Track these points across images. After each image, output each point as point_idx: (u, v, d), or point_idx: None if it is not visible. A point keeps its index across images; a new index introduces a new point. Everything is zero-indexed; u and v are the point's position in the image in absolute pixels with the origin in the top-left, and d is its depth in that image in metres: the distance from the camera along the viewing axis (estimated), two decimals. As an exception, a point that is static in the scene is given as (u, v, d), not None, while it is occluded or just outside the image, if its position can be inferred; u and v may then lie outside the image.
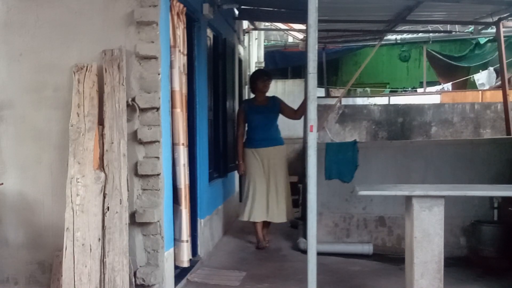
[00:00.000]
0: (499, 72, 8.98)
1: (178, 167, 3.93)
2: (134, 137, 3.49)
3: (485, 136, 9.37)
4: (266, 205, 5.58)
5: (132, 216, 3.46)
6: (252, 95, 6.12)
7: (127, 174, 3.35)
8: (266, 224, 5.73)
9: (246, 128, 5.85)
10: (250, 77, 6.10)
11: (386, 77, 14.23)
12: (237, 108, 7.43)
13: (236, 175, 7.24)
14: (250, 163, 5.66)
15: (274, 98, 5.86)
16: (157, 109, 3.48)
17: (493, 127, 9.52)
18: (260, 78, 5.77)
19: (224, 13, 6.21)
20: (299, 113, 5.68)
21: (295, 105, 5.75)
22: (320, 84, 11.18)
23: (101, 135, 3.40)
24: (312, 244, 3.30)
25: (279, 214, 5.61)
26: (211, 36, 5.78)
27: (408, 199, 3.56)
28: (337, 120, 10.10)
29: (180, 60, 3.94)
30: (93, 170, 3.32)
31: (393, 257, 5.11)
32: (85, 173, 3.32)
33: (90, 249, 3.22)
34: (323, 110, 9.40)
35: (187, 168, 4.06)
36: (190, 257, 4.11)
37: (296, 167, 8.05)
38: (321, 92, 12.17)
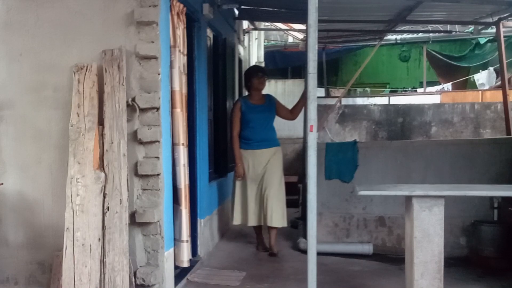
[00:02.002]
0: (499, 72, 8.99)
1: (178, 167, 3.93)
2: (134, 137, 3.49)
3: (485, 136, 9.38)
4: (260, 209, 5.31)
5: (132, 216, 3.46)
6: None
7: (127, 174, 3.35)
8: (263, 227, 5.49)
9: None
10: (244, 74, 5.78)
11: (386, 77, 14.25)
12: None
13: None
14: (245, 165, 5.34)
15: (270, 97, 5.57)
16: (157, 109, 3.48)
17: (493, 127, 9.53)
18: (255, 75, 5.45)
19: (224, 13, 6.21)
20: (295, 113, 5.48)
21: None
22: (320, 84, 11.20)
23: (101, 135, 3.40)
24: (312, 244, 3.30)
25: (276, 218, 5.25)
26: (211, 36, 5.78)
27: (408, 199, 3.56)
28: (337, 120, 10.11)
29: (180, 60, 3.94)
30: (93, 170, 3.32)
31: (393, 257, 5.11)
32: (85, 173, 3.32)
33: (90, 249, 3.22)
34: (323, 110, 9.41)
35: (187, 168, 4.06)
36: (190, 257, 4.11)
37: (296, 167, 8.06)
38: (321, 92, 12.18)
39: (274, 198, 5.27)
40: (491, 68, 11.85)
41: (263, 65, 9.49)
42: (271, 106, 5.48)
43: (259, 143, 5.34)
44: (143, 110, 3.48)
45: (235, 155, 5.38)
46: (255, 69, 5.80)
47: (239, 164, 5.33)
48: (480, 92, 11.39)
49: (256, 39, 9.58)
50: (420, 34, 12.24)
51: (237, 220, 5.44)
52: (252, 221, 5.37)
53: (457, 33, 11.74)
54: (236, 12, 7.01)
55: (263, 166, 5.31)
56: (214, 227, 5.68)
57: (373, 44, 10.70)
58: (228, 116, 6.47)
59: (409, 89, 13.97)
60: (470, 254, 5.11)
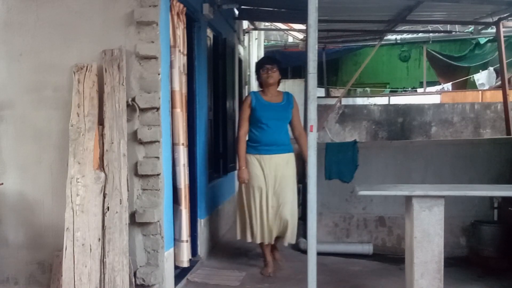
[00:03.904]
0: (499, 72, 8.99)
1: (178, 167, 3.93)
2: (134, 137, 3.49)
3: (485, 136, 9.39)
4: (267, 225, 4.55)
5: (132, 216, 3.46)
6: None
7: (127, 174, 3.35)
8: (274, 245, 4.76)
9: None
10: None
11: (386, 77, 14.26)
12: (237, 108, 7.42)
13: (236, 175, 7.22)
14: (251, 172, 4.56)
15: (289, 96, 4.74)
16: (157, 109, 3.48)
17: (493, 127, 9.54)
18: (261, 67, 4.69)
19: (224, 13, 6.20)
20: (300, 141, 4.73)
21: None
22: (320, 84, 11.21)
23: (101, 135, 3.40)
24: (312, 244, 3.30)
25: (291, 237, 4.60)
26: (211, 36, 5.78)
27: (408, 199, 3.56)
28: (337, 120, 10.12)
29: (180, 60, 3.94)
30: (93, 170, 3.32)
31: (393, 257, 5.11)
32: (85, 173, 3.32)
33: (90, 249, 3.22)
34: (323, 110, 9.41)
35: (187, 168, 4.06)
36: (190, 257, 4.11)
37: (296, 167, 8.05)
38: (321, 92, 12.21)
39: (289, 216, 4.53)
40: (491, 68, 11.86)
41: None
42: (288, 106, 4.67)
43: (268, 147, 4.56)
44: (143, 110, 3.48)
45: (239, 156, 4.63)
46: (262, 61, 5.00)
47: (243, 168, 4.56)
48: (480, 92, 11.42)
49: (256, 39, 9.57)
50: (420, 34, 12.26)
51: (241, 235, 4.73)
52: (258, 238, 4.59)
53: (457, 33, 11.75)
54: (236, 12, 7.00)
55: (273, 175, 4.55)
56: (214, 227, 5.68)
57: (373, 44, 10.70)
58: (228, 116, 6.48)
59: (409, 89, 13.98)
60: (470, 254, 5.11)
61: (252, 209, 4.57)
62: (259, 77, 4.76)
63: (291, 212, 4.54)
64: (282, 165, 4.58)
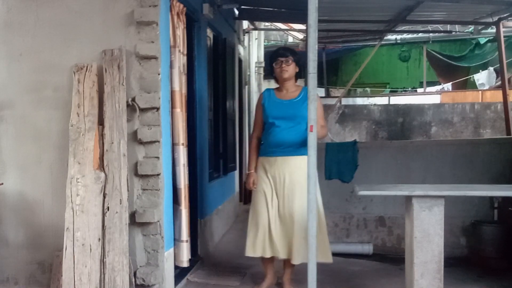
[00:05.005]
0: (499, 72, 9.00)
1: (178, 167, 3.92)
2: (134, 137, 3.49)
3: (485, 136, 9.39)
4: (269, 236, 4.02)
5: (132, 216, 3.46)
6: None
7: (127, 174, 3.35)
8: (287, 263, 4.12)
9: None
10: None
11: (386, 77, 14.25)
12: (237, 108, 7.43)
13: (236, 175, 7.23)
14: (260, 176, 4.06)
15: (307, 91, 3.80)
16: (157, 109, 3.48)
17: (493, 127, 9.54)
18: (274, 59, 4.10)
19: (224, 13, 6.21)
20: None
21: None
22: (320, 84, 11.21)
23: (101, 135, 3.40)
24: (312, 244, 3.30)
25: (298, 251, 3.88)
26: (211, 36, 5.78)
27: (408, 199, 3.56)
28: (337, 120, 10.12)
29: (180, 60, 3.94)
30: (93, 170, 3.32)
31: (393, 257, 5.11)
32: (85, 173, 3.32)
33: (90, 249, 3.22)
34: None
35: (187, 168, 4.06)
36: (190, 257, 4.10)
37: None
38: (321, 92, 12.20)
39: (297, 230, 3.89)
40: (491, 68, 11.87)
41: (263, 65, 9.33)
42: (304, 102, 3.77)
43: (274, 148, 4.00)
44: (143, 110, 3.48)
45: (248, 160, 4.25)
46: (274, 52, 4.23)
47: (252, 171, 4.09)
48: (480, 92, 11.42)
49: (256, 39, 9.57)
50: (420, 34, 12.26)
51: (249, 251, 4.14)
52: (259, 251, 4.08)
53: (457, 33, 11.76)
54: (236, 12, 7.01)
55: (281, 181, 3.97)
56: (214, 227, 5.68)
57: (373, 44, 10.71)
58: (228, 116, 6.49)
59: (409, 89, 13.98)
60: (470, 254, 5.11)
61: (256, 217, 4.05)
62: (272, 72, 4.17)
63: (300, 226, 3.85)
64: (292, 169, 3.94)
